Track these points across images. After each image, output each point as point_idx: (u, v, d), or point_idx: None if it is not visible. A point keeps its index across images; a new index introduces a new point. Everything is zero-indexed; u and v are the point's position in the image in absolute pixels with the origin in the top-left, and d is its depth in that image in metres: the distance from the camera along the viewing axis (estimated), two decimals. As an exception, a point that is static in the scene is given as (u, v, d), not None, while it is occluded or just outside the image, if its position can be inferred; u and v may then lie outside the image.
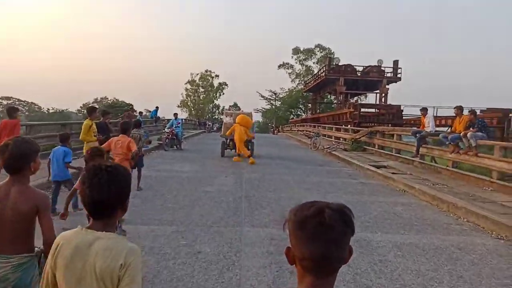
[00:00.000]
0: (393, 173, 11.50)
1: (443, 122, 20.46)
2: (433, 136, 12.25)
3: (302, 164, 13.98)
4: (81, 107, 70.40)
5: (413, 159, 13.11)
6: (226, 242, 5.25)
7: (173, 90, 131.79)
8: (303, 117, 55.38)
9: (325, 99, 52.91)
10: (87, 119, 8.11)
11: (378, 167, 12.72)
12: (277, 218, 6.26)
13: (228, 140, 15.21)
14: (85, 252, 1.50)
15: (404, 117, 24.01)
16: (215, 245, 5.11)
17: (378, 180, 11.14)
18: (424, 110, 12.89)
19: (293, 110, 64.66)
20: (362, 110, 24.35)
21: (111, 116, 9.30)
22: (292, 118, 59.69)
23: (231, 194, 8.26)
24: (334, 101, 55.53)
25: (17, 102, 74.34)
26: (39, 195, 2.30)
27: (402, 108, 23.23)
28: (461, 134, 10.31)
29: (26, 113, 74.06)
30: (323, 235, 1.07)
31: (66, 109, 63.86)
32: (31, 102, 77.66)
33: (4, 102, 63.21)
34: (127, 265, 1.48)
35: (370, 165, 13.15)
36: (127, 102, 52.80)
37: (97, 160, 4.81)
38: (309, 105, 59.07)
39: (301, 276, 1.12)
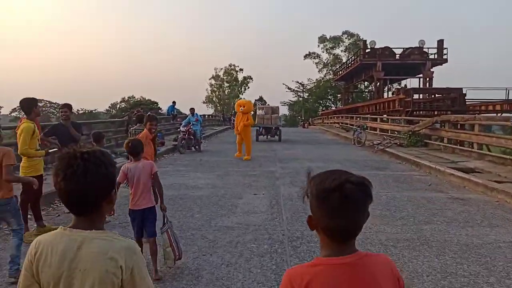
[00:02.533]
0: (496, 181, 7.95)
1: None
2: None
3: (355, 168, 10.58)
4: (109, 106, 69.54)
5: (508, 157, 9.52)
6: None
7: (199, 86, 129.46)
8: (333, 108, 51.48)
9: (356, 88, 48.73)
10: (25, 120, 4.76)
11: (465, 171, 9.18)
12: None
13: (261, 129, 18.66)
14: (74, 256, 1.21)
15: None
16: None
17: (476, 193, 7.65)
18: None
19: (321, 102, 60.87)
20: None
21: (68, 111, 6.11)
22: (323, 110, 55.91)
23: (266, 235, 5.04)
24: (365, 90, 51.43)
25: (48, 104, 74.27)
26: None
27: (464, 92, 19.26)
28: None
29: (57, 114, 73.72)
30: (346, 209, 1.09)
31: (95, 110, 63.06)
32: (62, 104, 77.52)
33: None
34: (130, 268, 1.23)
35: (450, 167, 9.62)
36: (153, 100, 50.88)
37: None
38: (339, 95, 54.96)
39: (325, 241, 1.16)
